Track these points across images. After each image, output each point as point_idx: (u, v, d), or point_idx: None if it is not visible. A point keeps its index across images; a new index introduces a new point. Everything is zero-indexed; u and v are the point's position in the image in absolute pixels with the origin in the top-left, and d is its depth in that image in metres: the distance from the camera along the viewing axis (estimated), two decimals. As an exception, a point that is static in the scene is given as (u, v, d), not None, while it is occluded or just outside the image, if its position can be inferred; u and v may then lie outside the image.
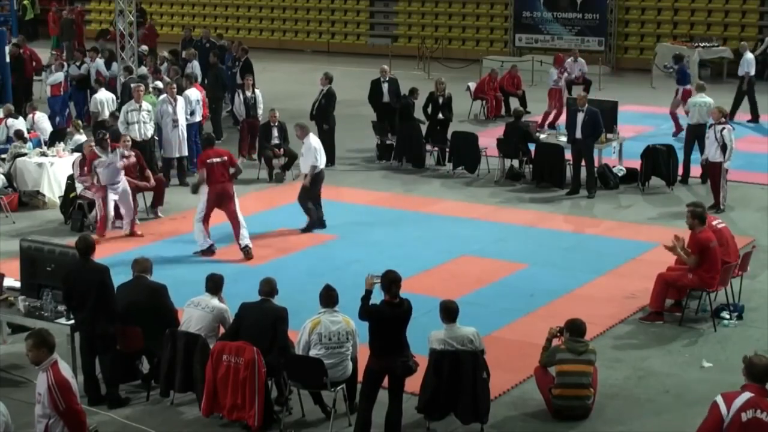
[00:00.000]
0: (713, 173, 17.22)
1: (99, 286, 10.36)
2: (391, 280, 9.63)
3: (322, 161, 16.39)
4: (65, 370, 7.98)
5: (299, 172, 16.48)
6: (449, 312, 9.99)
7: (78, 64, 24.40)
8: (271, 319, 10.14)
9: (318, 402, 10.32)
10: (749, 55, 24.35)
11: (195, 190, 15.56)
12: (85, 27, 36.99)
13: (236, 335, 10.15)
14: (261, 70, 24.83)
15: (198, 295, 10.82)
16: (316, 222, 16.33)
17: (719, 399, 7.70)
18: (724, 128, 16.87)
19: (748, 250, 13.82)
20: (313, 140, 16.38)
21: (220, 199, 15.05)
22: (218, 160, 15.07)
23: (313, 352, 9.96)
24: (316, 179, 16.29)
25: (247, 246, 15.03)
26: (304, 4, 37.85)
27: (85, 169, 16.19)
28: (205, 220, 15.13)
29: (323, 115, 20.38)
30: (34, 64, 25.30)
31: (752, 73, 23.97)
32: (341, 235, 16.13)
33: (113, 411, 10.41)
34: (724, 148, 16.81)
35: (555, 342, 10.52)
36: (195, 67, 23.40)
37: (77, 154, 18.14)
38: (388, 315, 9.61)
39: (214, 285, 10.83)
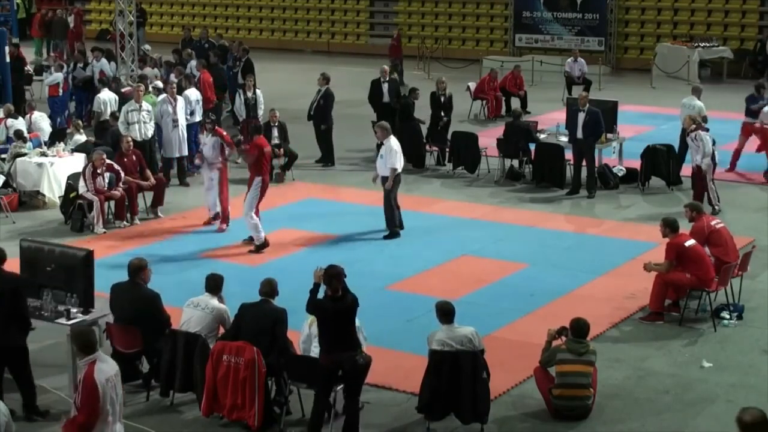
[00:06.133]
0: (699, 177, 17.08)
1: (10, 295, 10.04)
2: (331, 275, 9.58)
3: (400, 164, 16.07)
4: (101, 372, 8.05)
5: (377, 175, 16.21)
6: (445, 313, 10.00)
7: (81, 65, 24.36)
8: (271, 320, 10.13)
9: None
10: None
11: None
12: (84, 27, 36.99)
13: (236, 335, 10.15)
14: (261, 70, 24.83)
15: (198, 295, 10.81)
16: (397, 228, 16.11)
17: None
18: (696, 134, 16.87)
19: (748, 250, 13.81)
20: (394, 142, 16.03)
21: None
22: (268, 150, 15.73)
23: (314, 344, 10.01)
24: (397, 182, 16.10)
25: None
26: (304, 4, 37.88)
27: (97, 179, 16.30)
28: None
29: (321, 115, 20.40)
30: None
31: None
32: (341, 235, 16.12)
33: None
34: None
35: (555, 343, 10.51)
36: (194, 67, 23.41)
37: (78, 155, 18.18)
38: (330, 309, 9.57)
39: (215, 285, 10.82)
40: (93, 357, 8.11)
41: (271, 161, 19.19)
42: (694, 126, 17.10)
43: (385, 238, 15.99)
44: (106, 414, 8.07)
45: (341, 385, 10.00)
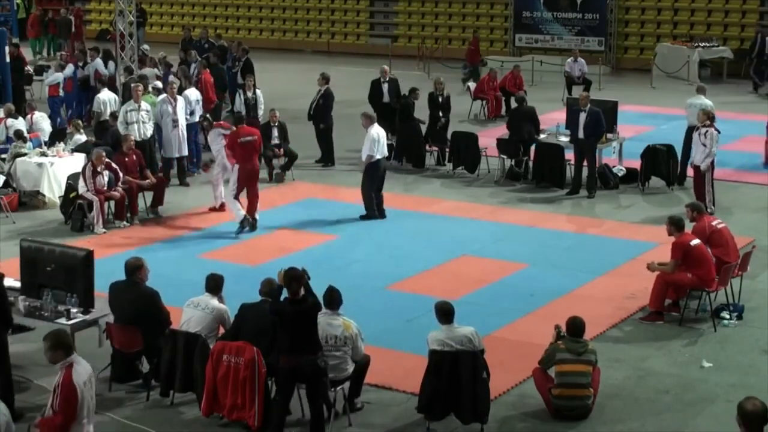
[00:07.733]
0: (697, 176, 17.04)
1: None
2: (290, 278, 9.48)
3: (379, 151, 16.70)
4: (78, 375, 7.98)
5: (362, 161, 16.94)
6: (444, 313, 9.99)
7: (81, 64, 24.37)
8: (271, 320, 10.12)
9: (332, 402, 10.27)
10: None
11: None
12: (84, 27, 36.99)
13: (236, 335, 10.15)
14: (261, 70, 24.84)
15: (198, 295, 10.81)
16: (374, 212, 16.76)
17: None
18: (707, 131, 16.75)
19: (748, 250, 13.80)
20: (375, 131, 16.73)
21: (250, 178, 16.19)
22: (249, 138, 16.21)
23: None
24: (374, 169, 16.62)
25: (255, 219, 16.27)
26: (304, 4, 37.89)
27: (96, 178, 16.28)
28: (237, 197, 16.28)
29: (321, 115, 20.40)
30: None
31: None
32: (341, 235, 16.13)
33: (113, 411, 10.41)
34: None
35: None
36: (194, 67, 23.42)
37: (78, 155, 18.18)
38: (289, 312, 9.49)
39: (215, 285, 10.81)
40: (70, 360, 8.03)
41: (272, 160, 19.33)
42: (708, 122, 16.93)
43: (361, 217, 16.71)
44: (82, 418, 8.02)
45: (341, 385, 10.01)
